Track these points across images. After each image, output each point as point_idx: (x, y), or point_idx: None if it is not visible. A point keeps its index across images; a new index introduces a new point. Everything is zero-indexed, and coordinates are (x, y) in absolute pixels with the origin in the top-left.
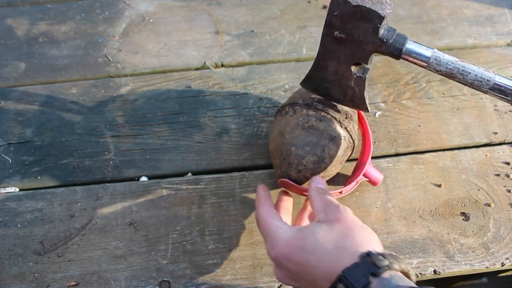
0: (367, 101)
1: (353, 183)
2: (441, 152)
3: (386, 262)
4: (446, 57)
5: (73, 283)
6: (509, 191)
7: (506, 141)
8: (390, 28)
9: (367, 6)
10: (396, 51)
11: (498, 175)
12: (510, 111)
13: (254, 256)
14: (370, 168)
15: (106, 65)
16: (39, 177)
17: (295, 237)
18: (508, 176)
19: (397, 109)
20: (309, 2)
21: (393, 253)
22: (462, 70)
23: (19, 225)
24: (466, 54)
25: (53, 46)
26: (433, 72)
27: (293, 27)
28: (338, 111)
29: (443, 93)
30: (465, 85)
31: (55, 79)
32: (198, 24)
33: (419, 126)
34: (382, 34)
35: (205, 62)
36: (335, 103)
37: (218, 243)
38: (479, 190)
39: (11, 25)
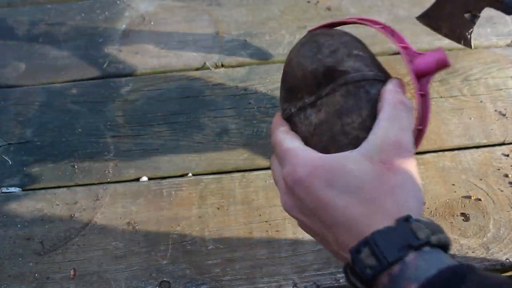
0: (471, 41)
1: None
2: (441, 152)
3: (427, 233)
4: None
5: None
6: (509, 191)
7: (506, 141)
8: None
9: None
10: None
11: (498, 175)
12: (511, 111)
13: (254, 256)
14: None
15: (106, 65)
16: (39, 177)
17: (324, 166)
18: (508, 176)
19: None
20: (308, 1)
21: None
22: None
23: (19, 225)
24: (466, 55)
25: (53, 46)
26: None
27: (293, 28)
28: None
29: (443, 94)
30: None
31: (55, 80)
32: (198, 25)
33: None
34: None
35: (205, 63)
36: None
37: (218, 243)
38: (479, 190)
39: (11, 25)
